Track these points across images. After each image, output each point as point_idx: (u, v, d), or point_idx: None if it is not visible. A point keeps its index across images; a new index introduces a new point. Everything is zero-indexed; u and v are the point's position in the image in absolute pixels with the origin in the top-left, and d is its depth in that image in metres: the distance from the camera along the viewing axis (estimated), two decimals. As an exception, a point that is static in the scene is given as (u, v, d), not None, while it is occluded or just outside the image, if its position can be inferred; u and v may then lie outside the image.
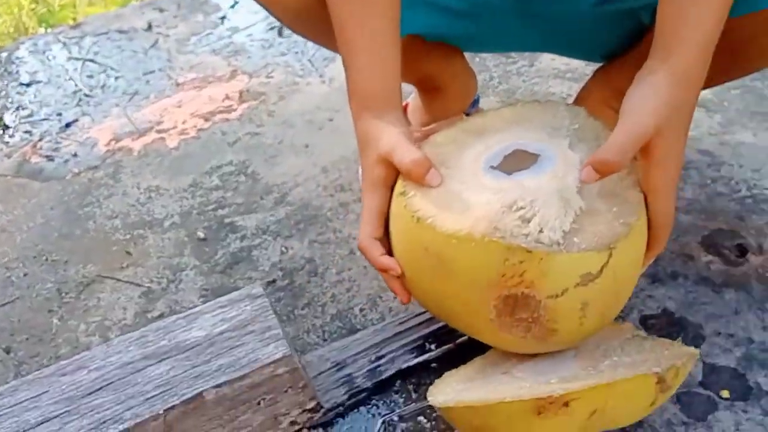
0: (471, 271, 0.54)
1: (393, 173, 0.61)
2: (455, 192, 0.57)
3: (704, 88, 0.85)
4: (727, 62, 0.70)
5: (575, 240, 0.52)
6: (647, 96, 0.55)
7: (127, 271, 0.89)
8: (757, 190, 0.89)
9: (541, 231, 0.52)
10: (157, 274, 0.88)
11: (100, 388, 0.59)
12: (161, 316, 0.81)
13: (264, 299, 0.66)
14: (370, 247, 0.60)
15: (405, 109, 0.99)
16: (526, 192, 0.55)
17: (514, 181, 0.56)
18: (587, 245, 0.52)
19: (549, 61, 1.24)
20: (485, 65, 1.26)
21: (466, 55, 0.94)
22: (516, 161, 0.59)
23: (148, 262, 0.90)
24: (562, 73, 1.21)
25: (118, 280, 0.88)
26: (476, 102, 1.09)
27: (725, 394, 0.64)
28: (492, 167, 0.59)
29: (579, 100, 0.87)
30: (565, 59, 1.24)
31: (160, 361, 0.61)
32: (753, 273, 0.77)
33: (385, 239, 0.61)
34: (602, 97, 0.83)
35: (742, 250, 0.80)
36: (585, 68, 1.20)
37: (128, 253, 0.92)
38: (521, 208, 0.54)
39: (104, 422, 0.56)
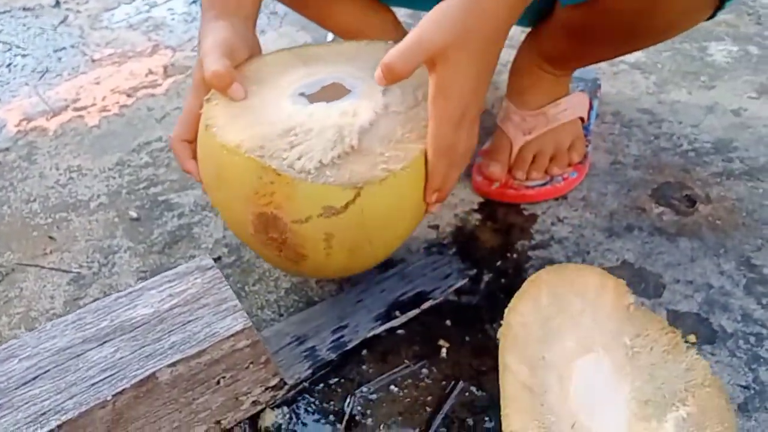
0: (234, 183, 0.56)
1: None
2: (253, 108, 0.59)
3: (609, 58, 0.86)
4: (614, 36, 0.73)
5: (327, 173, 0.54)
6: (437, 13, 0.54)
7: (51, 257, 0.80)
8: (698, 144, 0.90)
9: (299, 158, 0.54)
10: (87, 259, 0.80)
11: (35, 378, 0.51)
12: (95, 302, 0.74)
13: (215, 270, 0.60)
14: (178, 148, 0.64)
15: None
16: (309, 121, 0.57)
17: (306, 110, 0.58)
18: (335, 180, 0.53)
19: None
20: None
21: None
22: (331, 94, 0.61)
23: (75, 247, 0.82)
24: (499, 40, 1.20)
25: (42, 267, 0.79)
26: (418, 69, 1.06)
27: (692, 338, 0.64)
28: (301, 94, 0.61)
29: (514, 66, 0.87)
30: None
31: (102, 344, 0.54)
32: (704, 221, 0.78)
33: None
34: (534, 61, 0.83)
35: (691, 201, 0.81)
36: (520, 35, 1.19)
37: (51, 238, 0.83)
38: (295, 134, 0.56)
39: (43, 414, 0.49)
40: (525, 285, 0.50)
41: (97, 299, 0.73)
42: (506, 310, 0.49)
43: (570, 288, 0.52)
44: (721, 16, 1.20)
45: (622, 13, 0.67)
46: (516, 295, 0.49)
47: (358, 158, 0.55)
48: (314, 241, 0.56)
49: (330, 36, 1.23)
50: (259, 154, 0.54)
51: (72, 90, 1.14)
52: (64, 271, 0.78)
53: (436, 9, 0.54)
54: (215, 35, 0.62)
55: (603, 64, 1.09)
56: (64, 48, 1.27)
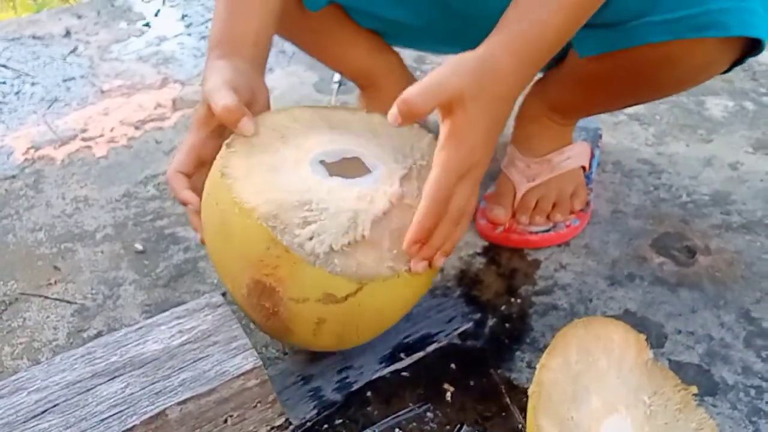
0: (240, 244, 0.56)
1: (213, 115, 0.61)
2: (272, 166, 0.59)
3: (617, 108, 0.88)
4: (629, 88, 0.75)
5: (335, 261, 0.54)
6: (454, 61, 0.55)
7: (55, 287, 0.80)
8: (697, 196, 0.92)
9: (311, 238, 0.54)
10: (91, 290, 0.80)
11: (45, 411, 0.51)
12: (99, 334, 0.74)
13: (226, 307, 0.61)
14: (174, 179, 0.62)
15: None
16: (326, 199, 0.57)
17: (325, 184, 0.58)
18: (342, 270, 0.54)
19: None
20: (423, 70, 1.26)
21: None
22: (351, 167, 0.62)
23: (80, 278, 0.82)
24: (502, 87, 1.23)
25: (46, 297, 0.79)
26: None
27: (693, 390, 0.65)
28: (321, 162, 0.61)
29: (521, 113, 0.89)
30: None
31: (112, 379, 0.54)
32: (704, 273, 0.79)
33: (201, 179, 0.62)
34: (540, 110, 0.85)
35: (691, 252, 0.82)
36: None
37: (56, 268, 0.83)
38: (310, 210, 0.56)
39: (52, 449, 0.49)
40: (555, 340, 0.51)
41: (101, 332, 0.74)
42: (538, 367, 0.49)
43: (597, 343, 0.52)
44: (717, 71, 1.24)
45: (642, 65, 0.69)
46: (546, 351, 0.50)
47: (367, 249, 0.56)
48: (306, 322, 0.57)
49: (336, 76, 1.25)
50: (272, 224, 0.53)
51: (80, 120, 1.15)
52: (68, 302, 0.78)
53: (454, 58, 0.56)
54: (220, 74, 0.62)
55: (604, 115, 1.11)
56: (73, 78, 1.29)
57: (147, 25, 1.51)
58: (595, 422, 0.49)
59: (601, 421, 0.49)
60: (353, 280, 0.54)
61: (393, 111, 0.53)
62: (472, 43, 0.88)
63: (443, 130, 0.56)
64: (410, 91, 0.53)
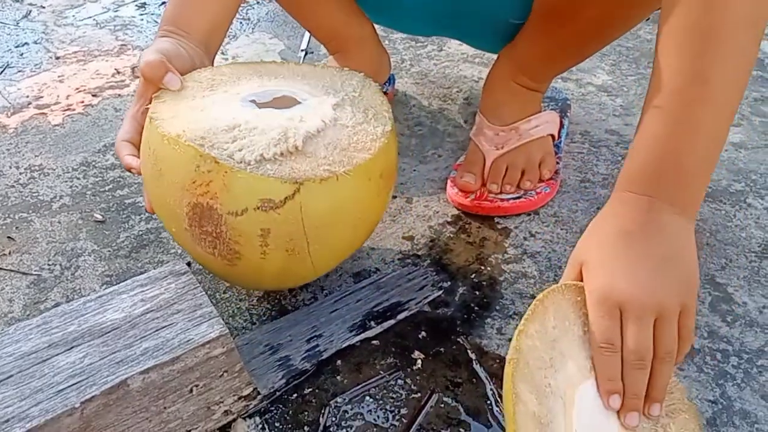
0: (172, 173, 0.55)
1: (150, 85, 0.62)
2: (202, 107, 0.59)
3: (581, 57, 0.86)
4: (596, 23, 0.75)
5: (268, 167, 0.54)
6: (588, 231, 0.55)
7: (10, 258, 0.77)
8: (664, 166, 0.93)
9: (240, 150, 0.54)
10: (48, 261, 0.77)
11: (-3, 383, 0.49)
12: (57, 306, 0.70)
13: (190, 276, 0.59)
14: (120, 147, 0.63)
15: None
16: (255, 120, 0.57)
17: (255, 112, 0.59)
18: (275, 173, 0.53)
19: (457, 46, 1.25)
20: (395, 48, 1.24)
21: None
22: (283, 104, 0.62)
23: (36, 249, 0.78)
24: (471, 57, 1.22)
25: (1, 268, 0.75)
26: (391, 80, 1.07)
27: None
28: (252, 101, 0.61)
29: (488, 81, 0.88)
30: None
31: (70, 349, 0.52)
32: (670, 240, 0.80)
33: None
34: (508, 72, 0.85)
35: (658, 220, 0.83)
36: (492, 54, 1.21)
37: (10, 238, 0.80)
38: (239, 130, 0.56)
39: (6, 421, 0.46)
40: (533, 306, 0.50)
41: (59, 303, 0.71)
42: (515, 333, 0.49)
43: (574, 309, 0.52)
44: (683, 44, 1.25)
45: None
46: (524, 317, 0.49)
47: (301, 158, 0.55)
48: (250, 235, 0.55)
49: (304, 44, 1.22)
50: (199, 144, 0.54)
51: (34, 87, 1.10)
52: (24, 273, 0.75)
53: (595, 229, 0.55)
54: (156, 45, 0.65)
55: (572, 86, 1.11)
56: (26, 44, 1.23)
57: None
58: (570, 388, 0.48)
59: (577, 386, 0.49)
60: (287, 181, 0.53)
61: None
62: (446, 14, 0.87)
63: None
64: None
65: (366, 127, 0.60)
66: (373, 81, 0.68)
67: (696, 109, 0.51)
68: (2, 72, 1.14)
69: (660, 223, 0.52)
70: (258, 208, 0.54)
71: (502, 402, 0.61)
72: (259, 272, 0.60)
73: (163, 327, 0.54)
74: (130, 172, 0.62)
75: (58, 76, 1.13)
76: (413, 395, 0.62)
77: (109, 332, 0.53)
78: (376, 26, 0.98)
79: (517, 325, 0.58)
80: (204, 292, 0.57)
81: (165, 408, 0.53)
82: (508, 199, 0.83)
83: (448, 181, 0.87)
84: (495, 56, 0.89)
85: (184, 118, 0.58)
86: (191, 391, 0.54)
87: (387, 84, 1.05)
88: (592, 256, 0.53)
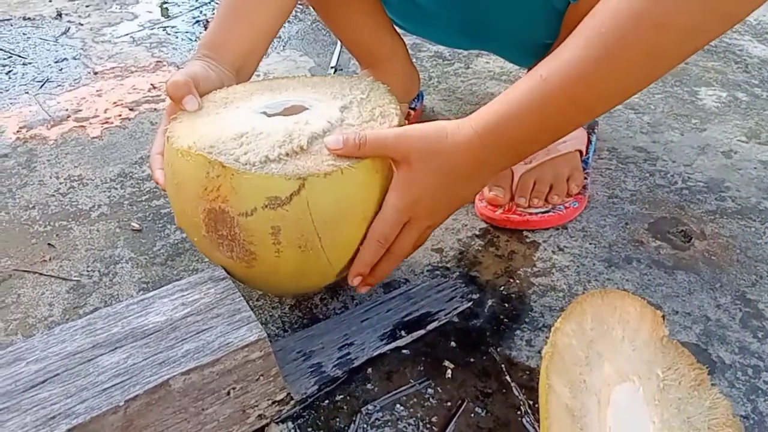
0: (187, 183, 0.58)
1: (175, 104, 0.66)
2: (214, 122, 0.62)
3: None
4: None
5: (272, 166, 0.55)
6: (417, 126, 0.59)
7: (50, 264, 0.79)
8: (692, 183, 0.93)
9: (245, 153, 0.56)
10: (87, 268, 0.79)
11: (45, 381, 0.51)
12: (95, 311, 0.72)
13: (228, 281, 0.60)
14: (153, 161, 0.68)
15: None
16: (262, 126, 0.60)
17: (263, 119, 0.61)
18: (278, 171, 0.55)
19: (483, 63, 1.27)
20: (423, 65, 1.26)
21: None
22: (293, 113, 0.64)
23: (75, 255, 0.81)
24: (498, 75, 1.23)
25: (41, 274, 0.78)
26: (420, 97, 1.08)
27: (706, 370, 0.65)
28: (263, 112, 0.63)
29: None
30: (499, 62, 1.26)
31: (114, 350, 0.53)
32: (699, 256, 0.80)
33: None
34: None
35: (687, 236, 0.83)
36: (519, 71, 1.23)
37: (51, 245, 0.82)
38: (247, 136, 0.58)
39: (53, 417, 0.48)
40: (571, 306, 0.51)
41: (98, 309, 0.73)
42: (552, 330, 0.50)
43: (612, 313, 0.53)
44: (710, 63, 1.26)
45: None
46: (562, 315, 0.50)
47: (306, 157, 0.57)
48: (262, 234, 0.57)
49: (333, 61, 1.25)
50: (207, 151, 0.56)
51: (73, 101, 1.14)
52: (64, 279, 0.77)
53: (420, 124, 0.60)
54: (186, 66, 0.69)
55: (599, 103, 1.12)
56: (65, 59, 1.28)
57: (140, 9, 1.49)
58: (606, 387, 0.49)
59: (612, 387, 0.49)
60: (291, 177, 0.54)
61: (339, 137, 0.57)
62: (478, 30, 0.89)
63: (393, 178, 0.61)
64: (368, 133, 0.58)
65: (373, 124, 0.62)
66: (382, 84, 0.69)
67: (565, 101, 0.56)
68: (42, 86, 1.18)
69: (466, 172, 0.60)
70: (266, 206, 0.55)
71: (532, 413, 0.61)
72: (276, 271, 0.61)
73: (204, 330, 0.55)
74: (158, 185, 0.65)
75: (96, 91, 1.17)
76: (444, 404, 0.62)
77: (151, 334, 0.55)
78: (410, 39, 1.01)
79: (547, 337, 0.58)
80: (242, 297, 0.58)
81: (203, 410, 0.55)
82: (536, 213, 0.84)
83: (477, 195, 0.88)
84: (522, 72, 0.91)
85: (197, 132, 0.60)
86: (228, 393, 0.55)
87: (416, 101, 1.06)
88: (410, 166, 0.59)
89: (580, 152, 0.90)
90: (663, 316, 0.60)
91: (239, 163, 0.55)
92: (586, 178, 0.89)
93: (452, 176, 0.60)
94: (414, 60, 1.22)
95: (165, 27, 1.41)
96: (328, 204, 0.57)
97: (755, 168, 0.96)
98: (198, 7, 1.50)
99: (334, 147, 0.57)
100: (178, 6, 1.50)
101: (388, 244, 0.61)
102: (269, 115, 0.63)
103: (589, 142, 0.93)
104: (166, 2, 1.51)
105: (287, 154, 0.56)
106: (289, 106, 0.65)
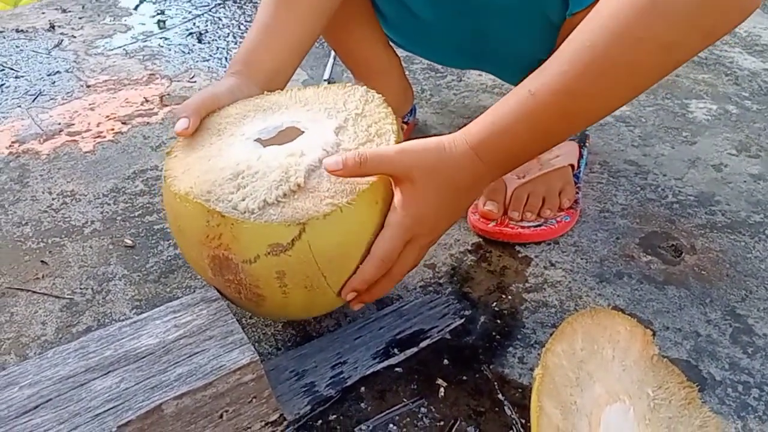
0: (188, 229, 0.59)
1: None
2: (208, 157, 0.62)
3: None
4: None
5: (270, 212, 0.55)
6: (417, 142, 0.60)
7: (43, 282, 0.79)
8: (682, 197, 0.94)
9: (243, 199, 0.56)
10: (80, 285, 0.79)
11: (37, 407, 0.51)
12: (88, 330, 0.73)
13: (221, 302, 0.60)
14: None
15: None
16: (257, 165, 0.59)
17: (257, 153, 0.61)
18: (278, 217, 0.55)
19: (476, 76, 1.27)
20: (416, 78, 1.27)
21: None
22: (287, 137, 0.64)
23: (68, 273, 0.81)
24: (490, 87, 1.24)
25: (34, 292, 0.78)
26: (413, 111, 1.09)
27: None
28: (257, 140, 0.63)
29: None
30: (490, 75, 1.27)
31: (106, 374, 0.54)
32: (690, 271, 0.81)
33: None
34: None
35: (678, 251, 0.84)
36: (510, 84, 1.23)
37: (44, 262, 0.82)
38: (242, 178, 0.58)
39: (46, 444, 0.48)
40: (561, 327, 0.52)
41: (91, 327, 0.73)
42: (543, 351, 0.50)
43: (603, 333, 0.53)
44: (700, 75, 1.27)
45: None
46: (553, 336, 0.51)
47: (305, 196, 0.57)
48: (267, 279, 0.57)
49: (326, 74, 1.25)
50: (205, 199, 0.56)
51: (66, 114, 1.14)
52: (57, 296, 0.77)
53: (419, 140, 0.60)
54: (215, 85, 0.70)
55: (590, 115, 1.13)
56: (58, 72, 1.27)
57: (133, 21, 1.49)
58: (597, 408, 0.49)
59: (603, 407, 0.50)
60: (291, 223, 0.54)
61: (338, 158, 0.57)
62: (475, 45, 0.89)
63: (395, 196, 0.60)
64: (367, 152, 0.57)
65: (369, 146, 0.61)
66: (376, 93, 0.68)
67: (553, 114, 0.57)
68: (35, 100, 1.18)
69: (466, 186, 0.61)
70: (269, 253, 0.55)
71: (525, 431, 0.61)
72: (284, 308, 0.62)
73: (196, 353, 0.55)
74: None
75: (89, 104, 1.17)
76: (437, 423, 0.63)
77: (144, 357, 0.55)
78: (402, 51, 1.01)
79: (539, 354, 0.59)
80: (235, 319, 0.59)
81: (196, 433, 0.55)
82: (528, 227, 0.84)
83: (470, 208, 0.88)
84: (510, 86, 0.91)
85: (193, 172, 0.60)
86: (221, 416, 0.55)
87: (409, 115, 1.07)
88: (414, 183, 0.59)
89: (572, 166, 0.91)
90: (653, 334, 0.60)
91: (238, 211, 0.55)
92: (577, 193, 0.90)
93: (453, 190, 0.60)
94: (407, 72, 1.22)
95: (158, 39, 1.41)
96: (331, 244, 0.57)
97: (745, 181, 0.97)
98: (191, 20, 1.50)
99: (333, 168, 0.56)
100: (172, 18, 1.50)
101: (392, 263, 0.60)
102: (264, 143, 0.63)
103: (581, 156, 0.94)
104: (162, 14, 1.51)
105: (285, 195, 0.56)
106: (283, 129, 0.65)
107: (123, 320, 0.66)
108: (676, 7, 0.52)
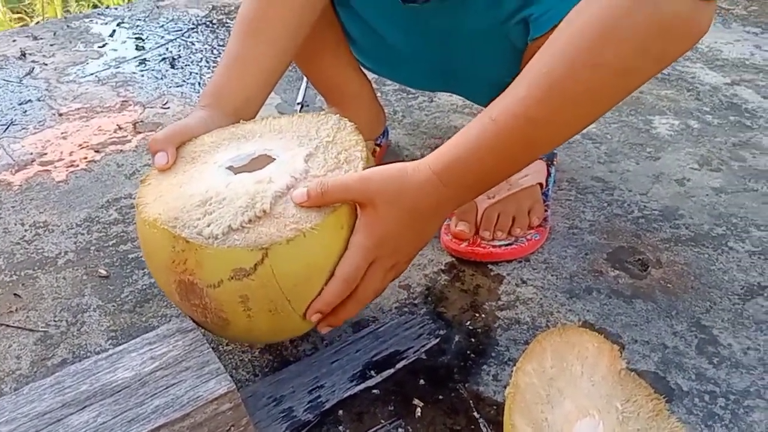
0: (156, 255, 0.60)
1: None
2: (179, 184, 0.63)
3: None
4: None
5: (234, 237, 0.56)
6: (381, 169, 0.61)
7: (17, 315, 0.79)
8: (648, 211, 0.97)
9: (208, 225, 0.57)
10: (54, 318, 0.79)
11: (14, 444, 0.51)
12: (64, 362, 0.73)
13: (197, 332, 0.61)
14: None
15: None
16: (225, 191, 0.60)
17: (226, 181, 0.62)
18: (241, 242, 0.56)
19: (447, 97, 1.30)
20: (388, 99, 1.29)
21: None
22: (258, 165, 0.65)
23: (42, 305, 0.81)
24: (461, 108, 1.26)
25: (7, 326, 0.77)
26: (385, 134, 1.11)
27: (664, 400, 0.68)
28: (229, 167, 0.64)
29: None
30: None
31: (83, 408, 0.54)
32: (656, 285, 0.83)
33: None
34: None
35: (644, 265, 0.86)
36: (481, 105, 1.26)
37: (17, 295, 0.82)
38: (210, 204, 0.59)
39: (23, 482, 0.48)
40: (531, 346, 0.53)
41: (66, 360, 0.73)
42: (514, 370, 0.52)
43: (571, 350, 0.55)
44: (663, 91, 1.31)
45: None
46: (523, 355, 0.53)
47: (270, 222, 0.57)
48: (231, 304, 0.58)
49: (299, 97, 1.27)
50: (172, 225, 0.57)
51: (38, 144, 1.14)
52: (31, 330, 0.77)
53: (382, 167, 0.61)
54: (187, 118, 0.71)
55: (558, 133, 1.16)
56: (29, 101, 1.27)
57: (105, 47, 1.50)
58: (567, 424, 0.51)
59: (573, 423, 0.51)
60: (254, 248, 0.55)
61: (303, 190, 0.59)
62: (445, 70, 0.91)
63: (358, 220, 0.62)
64: (329, 181, 0.59)
65: (338, 172, 0.62)
66: (349, 121, 0.69)
67: (515, 139, 0.59)
68: (6, 129, 1.18)
69: (429, 210, 0.62)
70: (232, 278, 0.56)
71: (499, 449, 0.63)
72: (250, 332, 0.63)
73: (173, 384, 0.56)
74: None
75: (62, 133, 1.17)
76: (413, 444, 0.64)
77: (120, 390, 0.55)
78: (375, 76, 1.03)
79: (512, 371, 0.60)
80: (211, 349, 0.59)
81: (174, 463, 0.55)
82: (500, 246, 0.86)
83: (442, 229, 0.90)
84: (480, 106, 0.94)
85: (164, 199, 0.61)
86: (199, 446, 0.56)
87: (381, 137, 1.09)
88: (376, 208, 0.60)
89: (540, 185, 0.93)
90: (621, 349, 0.62)
91: (202, 237, 0.56)
92: (546, 210, 0.92)
93: (416, 213, 0.62)
94: (378, 94, 1.24)
95: (131, 65, 1.41)
96: (294, 269, 0.58)
97: (707, 195, 1.00)
98: (164, 45, 1.51)
99: (299, 201, 0.58)
100: (145, 43, 1.51)
101: (355, 285, 0.62)
102: (235, 170, 0.64)
103: (549, 174, 0.96)
104: (139, 39, 1.52)
105: (250, 221, 0.57)
106: (255, 156, 0.66)
107: (99, 352, 0.67)
108: (626, 34, 0.54)
